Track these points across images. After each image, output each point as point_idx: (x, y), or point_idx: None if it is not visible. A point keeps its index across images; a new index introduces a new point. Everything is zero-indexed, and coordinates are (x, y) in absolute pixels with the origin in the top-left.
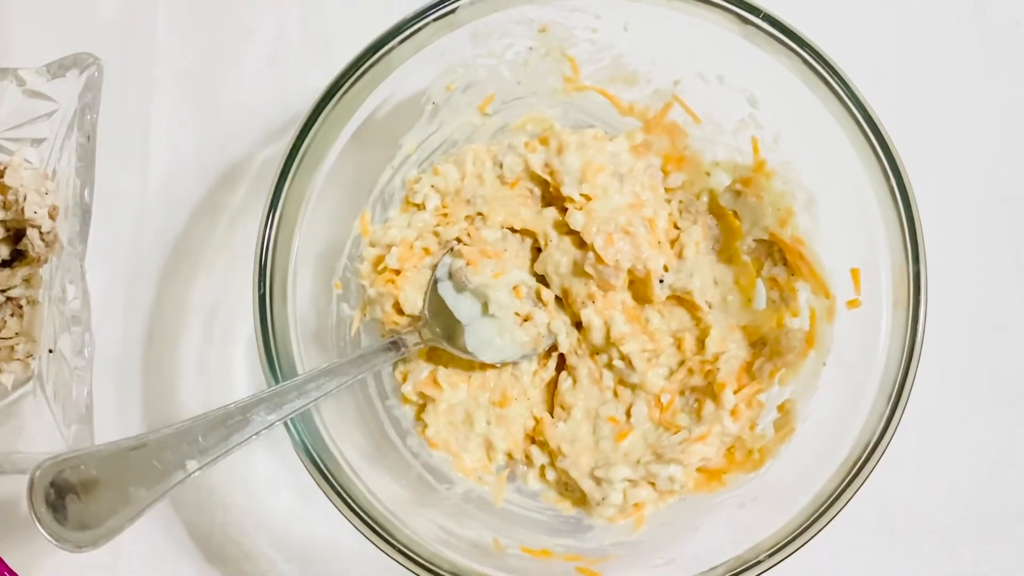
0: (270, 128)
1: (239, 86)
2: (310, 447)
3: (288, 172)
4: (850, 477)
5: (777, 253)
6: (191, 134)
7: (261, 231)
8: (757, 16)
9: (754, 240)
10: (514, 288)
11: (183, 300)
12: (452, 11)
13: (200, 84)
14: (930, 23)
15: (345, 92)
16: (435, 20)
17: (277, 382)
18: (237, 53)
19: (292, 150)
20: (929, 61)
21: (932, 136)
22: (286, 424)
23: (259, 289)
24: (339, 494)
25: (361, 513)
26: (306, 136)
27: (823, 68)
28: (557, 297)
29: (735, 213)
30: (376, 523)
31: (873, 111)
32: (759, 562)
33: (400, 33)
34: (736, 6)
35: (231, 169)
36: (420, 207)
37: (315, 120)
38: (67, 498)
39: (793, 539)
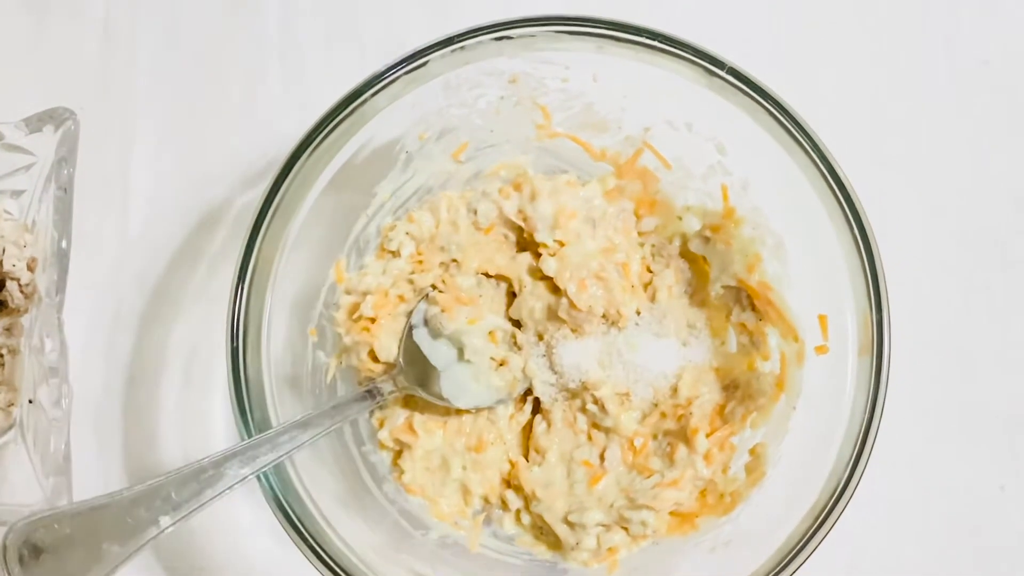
0: (249, 172)
1: (218, 131)
2: (281, 496)
3: (261, 225)
4: (818, 523)
5: (745, 299)
6: (170, 179)
7: (233, 285)
8: (722, 69)
9: (722, 286)
10: (489, 333)
11: (163, 345)
12: (424, 64)
13: (179, 130)
14: (900, 65)
15: (319, 142)
16: (407, 73)
17: (250, 435)
18: (216, 99)
19: (265, 201)
20: (898, 102)
21: (900, 177)
22: (258, 476)
23: (232, 342)
24: (310, 544)
25: (332, 564)
26: (280, 187)
27: (787, 120)
28: (538, 333)
29: (704, 259)
30: (347, 573)
31: (836, 163)
32: None
33: (374, 86)
34: (702, 59)
35: (210, 214)
36: (395, 254)
37: (289, 170)
38: (41, 557)
39: None
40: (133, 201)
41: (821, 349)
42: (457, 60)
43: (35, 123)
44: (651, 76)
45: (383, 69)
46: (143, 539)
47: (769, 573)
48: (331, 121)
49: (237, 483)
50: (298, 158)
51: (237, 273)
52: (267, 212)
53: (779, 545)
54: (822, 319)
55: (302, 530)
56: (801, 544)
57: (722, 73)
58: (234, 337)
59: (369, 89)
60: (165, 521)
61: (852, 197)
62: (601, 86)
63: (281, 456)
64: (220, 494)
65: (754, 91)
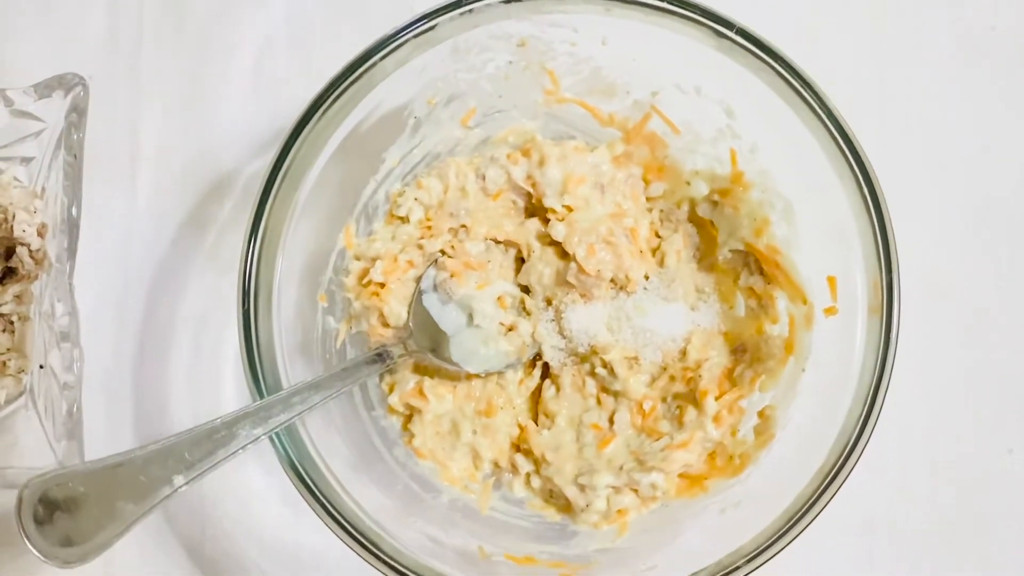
0: (257, 140)
1: (225, 100)
2: (295, 460)
3: (271, 189)
4: (827, 482)
5: (753, 263)
6: (178, 147)
7: (244, 248)
8: (731, 30)
9: (730, 251)
10: (498, 298)
11: (172, 314)
12: (432, 27)
13: (186, 99)
14: (906, 29)
15: (327, 108)
16: (415, 36)
17: (262, 396)
18: (223, 67)
19: (274, 167)
20: (905, 67)
21: (909, 141)
22: (271, 437)
23: (243, 305)
24: (324, 507)
25: (347, 525)
26: (288, 152)
27: (796, 81)
28: (547, 298)
29: (712, 223)
30: (362, 535)
31: (846, 123)
32: (738, 567)
33: (381, 50)
34: (711, 20)
35: (219, 182)
36: (404, 220)
37: (297, 136)
38: (55, 515)
39: (772, 543)
40: (141, 171)
41: (830, 311)
42: (466, 23)
43: (44, 89)
44: (659, 38)
45: (391, 32)
46: (157, 498)
47: (777, 533)
48: (339, 85)
49: (250, 443)
50: (307, 123)
51: (248, 235)
52: (276, 177)
53: (787, 505)
54: (831, 280)
55: (317, 493)
56: (809, 504)
57: (731, 34)
58: (245, 300)
59: (377, 53)
60: (179, 480)
61: (862, 156)
62: (609, 50)
63: (293, 417)
64: (233, 454)
65: (763, 52)
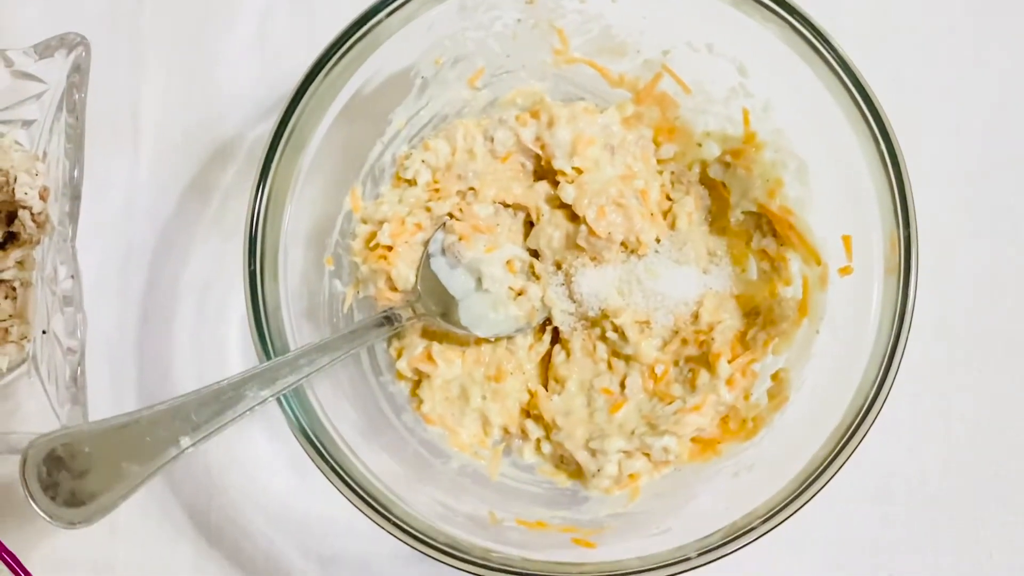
0: (260, 106)
1: (228, 64)
2: (305, 425)
3: (276, 150)
4: (842, 443)
5: (766, 224)
6: (181, 113)
7: (250, 209)
8: None
9: (743, 212)
10: (507, 262)
11: (176, 279)
12: None
13: (189, 63)
14: None
15: (332, 68)
16: None
17: (269, 358)
18: (225, 31)
19: (279, 127)
20: (920, 25)
21: (924, 101)
22: (280, 403)
23: (249, 266)
24: (335, 471)
25: (358, 490)
26: (293, 113)
27: (812, 35)
28: (557, 262)
29: (724, 185)
30: (374, 499)
31: (863, 77)
32: (752, 528)
33: (387, 6)
34: None
35: (221, 148)
36: (411, 183)
37: (302, 97)
38: (60, 475)
39: (786, 505)
40: (143, 137)
41: (845, 270)
42: None
43: (45, 49)
44: None
45: None
46: (163, 459)
47: (791, 496)
48: (343, 44)
49: (257, 404)
50: (310, 84)
51: (254, 194)
52: (280, 140)
53: (801, 468)
54: (846, 240)
55: (328, 458)
56: (824, 467)
57: None
58: (252, 260)
59: (382, 9)
60: (185, 441)
61: (879, 110)
62: (619, 7)
63: (300, 379)
64: (240, 416)
65: (779, 5)
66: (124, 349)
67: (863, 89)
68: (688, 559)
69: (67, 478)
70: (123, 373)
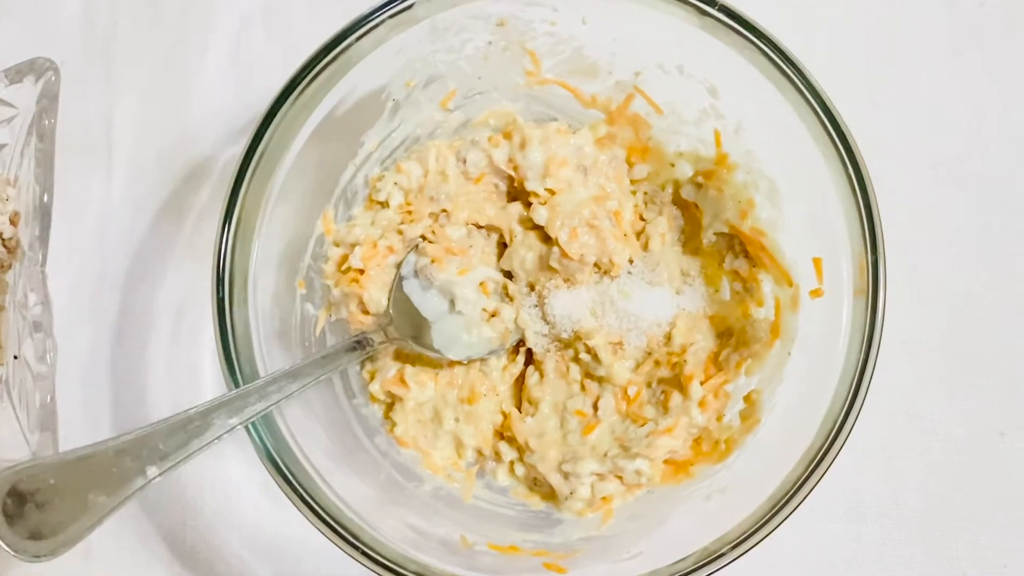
0: (233, 126)
1: (202, 85)
2: (272, 451)
3: (245, 175)
4: (813, 466)
5: (738, 245)
6: (154, 135)
7: (218, 236)
8: (713, 7)
9: (715, 233)
10: (481, 284)
11: (150, 302)
12: (409, 7)
13: (162, 84)
14: (897, 6)
15: (302, 91)
16: (392, 16)
17: (237, 385)
18: (199, 52)
19: (248, 152)
20: (895, 44)
21: (895, 119)
22: (247, 428)
23: (217, 293)
24: (302, 497)
25: (325, 516)
26: (262, 137)
27: (780, 59)
28: (530, 283)
29: (697, 205)
30: (341, 526)
31: (831, 102)
32: (724, 554)
33: (357, 29)
34: None
35: (195, 169)
36: (384, 205)
37: (271, 120)
38: (25, 507)
39: (757, 529)
40: (117, 157)
41: (816, 293)
42: (443, 3)
43: (15, 74)
44: (641, 16)
45: (367, 12)
46: (130, 489)
47: (763, 519)
48: (314, 67)
49: (225, 433)
50: (281, 106)
51: (221, 222)
52: (251, 160)
53: (773, 490)
54: (817, 262)
55: (294, 483)
56: (795, 489)
57: (713, 11)
58: (220, 288)
59: (353, 33)
60: (152, 471)
61: (846, 135)
62: (591, 29)
63: (270, 406)
64: (208, 444)
65: (746, 29)
66: (98, 372)
67: (830, 113)
68: None
69: (32, 510)
70: (97, 396)
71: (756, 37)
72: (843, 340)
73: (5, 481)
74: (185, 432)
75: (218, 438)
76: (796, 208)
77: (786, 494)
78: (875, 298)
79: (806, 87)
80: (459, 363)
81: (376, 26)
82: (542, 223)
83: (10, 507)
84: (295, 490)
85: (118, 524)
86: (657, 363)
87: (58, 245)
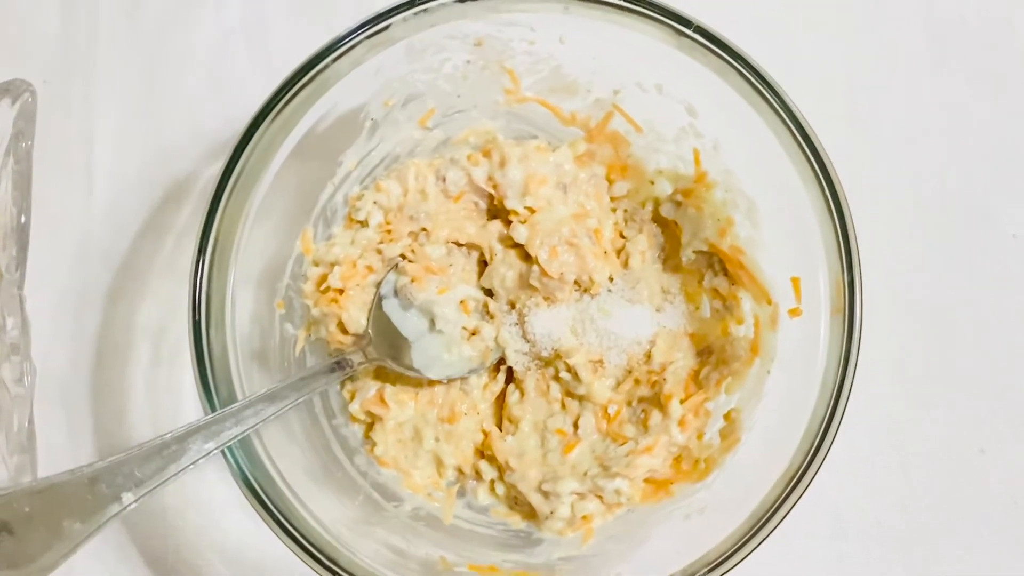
0: (214, 144)
1: (182, 103)
2: (247, 472)
3: (221, 196)
4: (792, 486)
5: (717, 264)
6: (134, 154)
7: (194, 259)
8: (689, 28)
9: (694, 251)
10: (461, 303)
11: (130, 322)
12: (386, 28)
13: (142, 102)
14: (873, 23)
15: (280, 111)
16: (368, 37)
17: (214, 409)
18: (179, 69)
19: (225, 172)
20: (873, 61)
21: (875, 137)
22: (223, 452)
23: (194, 316)
24: (278, 521)
25: (302, 540)
26: (239, 157)
27: (756, 80)
28: (511, 301)
29: (676, 223)
30: (318, 550)
31: (807, 123)
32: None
33: (334, 51)
34: (669, 19)
35: (175, 188)
36: (363, 224)
37: (248, 140)
38: (0, 536)
39: (736, 550)
40: (97, 176)
41: (795, 312)
42: (420, 23)
43: None
44: (619, 37)
45: (344, 33)
46: (105, 516)
47: (742, 539)
48: (292, 87)
49: (201, 458)
50: (259, 125)
51: (198, 245)
52: (228, 181)
53: (752, 510)
54: (795, 281)
55: (270, 506)
56: (774, 508)
57: (690, 32)
58: (196, 311)
59: (330, 54)
60: (128, 498)
61: (822, 156)
62: (569, 48)
63: (247, 430)
64: (184, 469)
65: (722, 50)
66: (78, 392)
67: (807, 136)
68: None
69: (7, 539)
70: (77, 416)
71: (732, 58)
72: (821, 359)
73: None
74: (161, 457)
75: (194, 463)
76: (775, 227)
77: (765, 514)
78: (851, 317)
79: (782, 108)
80: (439, 382)
81: (353, 47)
82: (522, 242)
83: None
84: (271, 513)
85: (101, 542)
86: (637, 381)
87: (38, 264)
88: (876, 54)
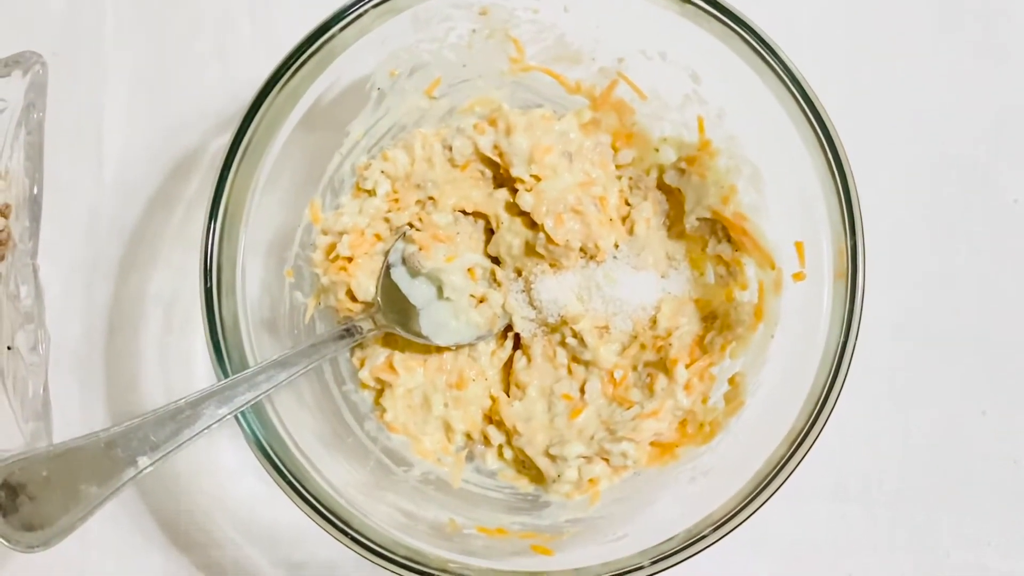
0: (222, 116)
1: (190, 75)
2: (261, 438)
3: (231, 165)
4: (795, 446)
5: (721, 230)
6: (144, 125)
7: (205, 226)
8: None
9: (697, 218)
10: (468, 270)
11: (142, 291)
12: None
13: (151, 75)
14: None
15: (287, 82)
16: (375, 7)
17: (227, 375)
18: (186, 42)
19: (233, 143)
20: (876, 28)
21: (877, 102)
22: (236, 417)
23: (205, 283)
24: (292, 485)
25: (315, 503)
26: (247, 128)
27: (760, 46)
28: (517, 269)
29: (679, 191)
30: (332, 512)
31: (811, 89)
32: (706, 536)
33: (340, 20)
34: None
35: (185, 159)
36: (371, 193)
37: (256, 111)
38: (18, 499)
39: (740, 509)
40: (107, 147)
41: (798, 276)
42: None
43: (3, 68)
44: (623, 4)
45: (350, 3)
46: (121, 480)
47: (746, 499)
48: (299, 57)
49: (215, 423)
50: (267, 95)
51: (208, 211)
52: (237, 151)
53: (756, 471)
54: (799, 246)
55: (284, 470)
56: (777, 469)
57: None
58: (207, 278)
59: (336, 24)
60: (143, 462)
61: (825, 121)
62: (573, 16)
63: (259, 395)
64: (198, 434)
65: (726, 16)
66: (91, 361)
67: (809, 99)
68: (642, 567)
69: (25, 502)
70: (91, 384)
71: (736, 24)
72: (824, 322)
73: None
74: (175, 422)
75: (208, 428)
76: (778, 193)
77: (769, 474)
78: (854, 282)
79: (785, 74)
80: (448, 349)
81: (359, 16)
82: (527, 210)
83: (3, 499)
84: (284, 477)
85: (114, 508)
86: (643, 347)
87: (50, 235)
88: (880, 19)
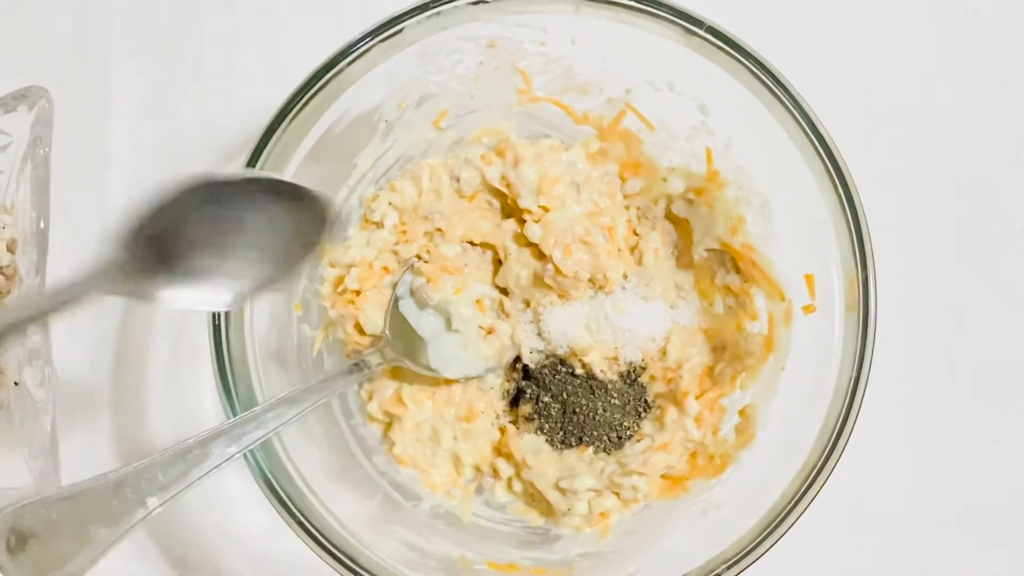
0: (229, 147)
1: (195, 106)
2: (268, 472)
3: None
4: (808, 482)
5: (729, 261)
6: (149, 156)
7: None
8: (701, 28)
9: (706, 249)
10: (476, 302)
11: (148, 323)
12: (399, 31)
13: (156, 106)
14: (884, 18)
15: (295, 115)
16: (382, 41)
17: (235, 412)
18: (191, 73)
19: None
20: (884, 55)
21: (886, 132)
22: (244, 453)
23: (213, 320)
24: (298, 520)
25: (321, 539)
26: (256, 161)
27: (768, 79)
28: (525, 300)
29: (687, 221)
30: (338, 548)
31: (819, 121)
32: (720, 573)
33: (348, 55)
34: (680, 18)
35: None
36: (378, 225)
37: (265, 145)
38: (27, 543)
39: (754, 548)
40: (113, 178)
41: (808, 308)
42: (433, 26)
43: (9, 103)
44: (630, 37)
45: (357, 38)
46: (131, 521)
47: (761, 534)
48: (307, 92)
49: (224, 462)
50: (275, 130)
51: None
52: None
53: (770, 506)
54: (808, 278)
55: (290, 506)
56: (792, 504)
57: (701, 32)
58: (215, 313)
59: (344, 59)
60: (153, 502)
61: (834, 153)
62: (580, 48)
63: (268, 433)
64: (207, 473)
65: (733, 49)
66: (99, 393)
67: (819, 134)
68: None
69: (35, 545)
70: (98, 418)
71: (744, 57)
72: (836, 356)
73: (6, 520)
74: (184, 462)
75: (217, 467)
76: (788, 224)
77: (782, 511)
78: (866, 314)
79: (793, 106)
80: (456, 381)
81: (366, 51)
82: (536, 241)
83: (13, 543)
84: (290, 512)
85: (122, 545)
86: (652, 378)
87: (56, 266)
88: (887, 49)
